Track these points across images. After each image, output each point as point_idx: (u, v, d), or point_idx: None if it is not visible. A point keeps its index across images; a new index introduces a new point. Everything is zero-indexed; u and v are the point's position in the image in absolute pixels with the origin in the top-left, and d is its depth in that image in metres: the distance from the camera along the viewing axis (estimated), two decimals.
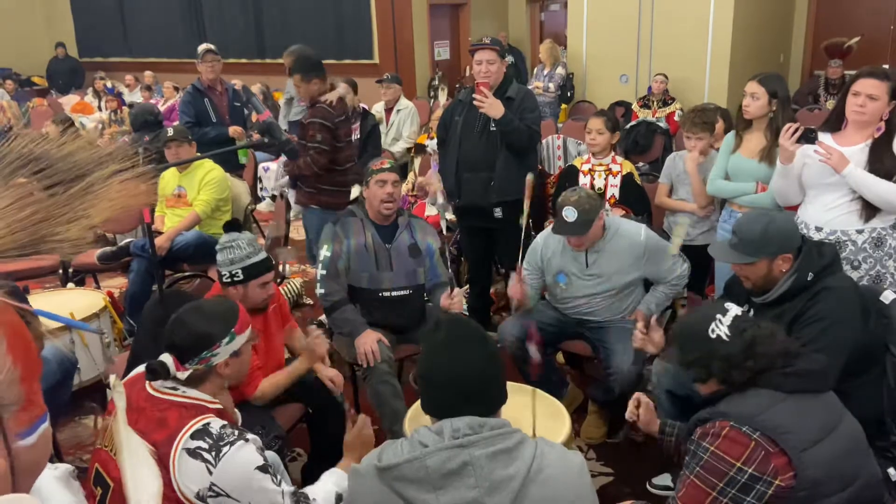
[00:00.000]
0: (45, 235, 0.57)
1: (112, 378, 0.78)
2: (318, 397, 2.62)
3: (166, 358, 1.74)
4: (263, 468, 1.66)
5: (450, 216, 4.51)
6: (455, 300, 2.85)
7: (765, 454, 1.61)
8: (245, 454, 1.64)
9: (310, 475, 2.73)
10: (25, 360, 0.62)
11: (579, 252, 2.93)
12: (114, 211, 0.64)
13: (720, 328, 1.78)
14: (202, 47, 5.07)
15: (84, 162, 0.64)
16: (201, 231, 4.03)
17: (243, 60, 10.47)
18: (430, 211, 4.84)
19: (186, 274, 3.94)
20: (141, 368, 1.80)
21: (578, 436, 3.00)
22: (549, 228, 3.08)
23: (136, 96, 9.71)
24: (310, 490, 1.77)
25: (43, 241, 0.57)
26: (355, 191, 4.69)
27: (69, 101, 10.02)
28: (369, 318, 2.95)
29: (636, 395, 2.23)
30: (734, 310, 1.84)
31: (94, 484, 1.75)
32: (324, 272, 2.98)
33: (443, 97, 8.33)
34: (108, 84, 10.46)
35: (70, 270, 4.35)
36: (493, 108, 3.36)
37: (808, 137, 2.62)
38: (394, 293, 3.03)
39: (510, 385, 1.63)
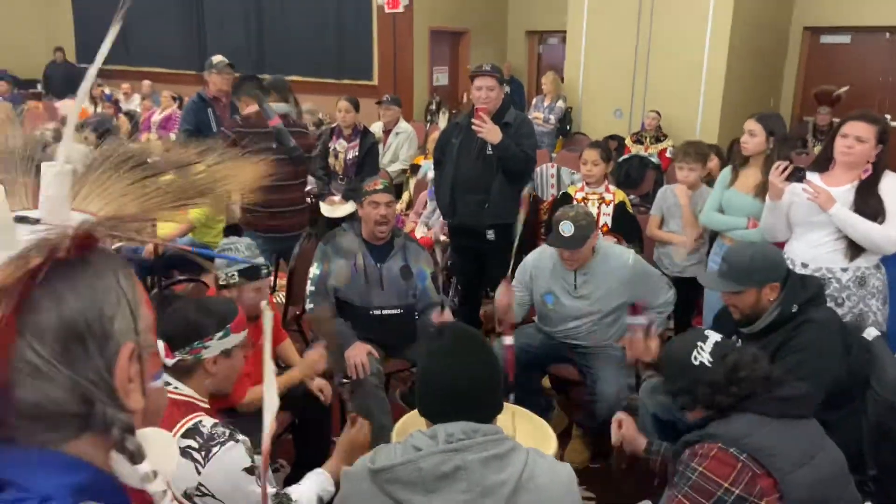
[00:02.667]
0: (195, 194, 0.62)
1: (263, 304, 0.85)
2: (305, 408, 2.62)
3: (158, 344, 1.75)
4: (250, 470, 1.66)
5: (444, 237, 4.55)
6: (445, 318, 2.89)
7: (752, 475, 1.64)
8: (233, 455, 1.64)
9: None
10: (151, 311, 0.70)
11: (568, 273, 2.97)
12: (238, 184, 0.69)
13: (702, 355, 1.84)
14: (218, 58, 5.04)
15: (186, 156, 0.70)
16: (194, 238, 4.04)
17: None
18: (421, 232, 4.88)
19: (180, 279, 3.93)
20: None
21: (562, 459, 3.01)
22: (541, 247, 3.12)
23: (133, 104, 9.72)
24: (292, 490, 1.77)
25: (200, 193, 0.62)
26: (349, 207, 4.72)
27: (65, 105, 10.00)
28: (359, 334, 2.97)
29: (617, 415, 2.26)
30: (713, 336, 1.90)
31: None
32: (312, 289, 3.02)
33: (443, 121, 8.42)
34: (107, 91, 10.47)
35: None
36: (492, 133, 3.41)
37: (797, 176, 2.70)
38: (384, 311, 3.05)
39: None
